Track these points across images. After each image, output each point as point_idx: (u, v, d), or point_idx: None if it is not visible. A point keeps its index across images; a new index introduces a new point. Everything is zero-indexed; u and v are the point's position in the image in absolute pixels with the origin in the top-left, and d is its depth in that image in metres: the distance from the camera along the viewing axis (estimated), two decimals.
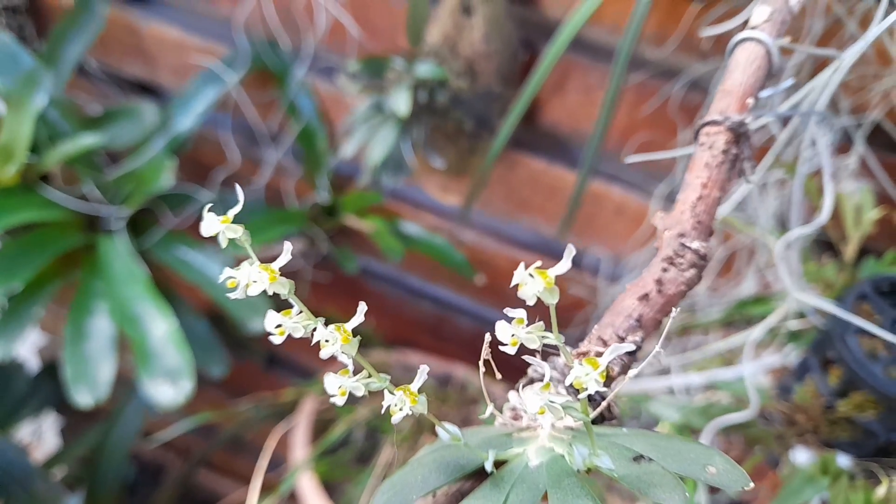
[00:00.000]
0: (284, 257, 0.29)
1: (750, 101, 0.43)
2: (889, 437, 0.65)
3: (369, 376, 0.31)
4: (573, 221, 0.93)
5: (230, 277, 0.29)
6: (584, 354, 0.36)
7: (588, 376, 0.27)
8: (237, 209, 0.30)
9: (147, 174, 1.00)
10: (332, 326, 0.29)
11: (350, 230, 1.15)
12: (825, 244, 0.83)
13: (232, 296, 0.30)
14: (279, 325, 0.30)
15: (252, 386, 1.47)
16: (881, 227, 0.76)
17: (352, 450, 1.13)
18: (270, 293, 0.29)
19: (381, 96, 0.94)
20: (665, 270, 0.38)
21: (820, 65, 0.56)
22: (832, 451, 0.68)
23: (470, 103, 0.94)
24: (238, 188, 0.31)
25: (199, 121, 1.06)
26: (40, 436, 1.52)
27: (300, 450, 1.09)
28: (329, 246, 1.16)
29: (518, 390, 0.36)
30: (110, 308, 0.93)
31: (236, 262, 0.30)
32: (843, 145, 0.81)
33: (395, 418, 0.30)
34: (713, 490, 0.81)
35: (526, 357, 0.29)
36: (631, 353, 0.36)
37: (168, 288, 1.03)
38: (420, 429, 1.05)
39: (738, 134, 0.41)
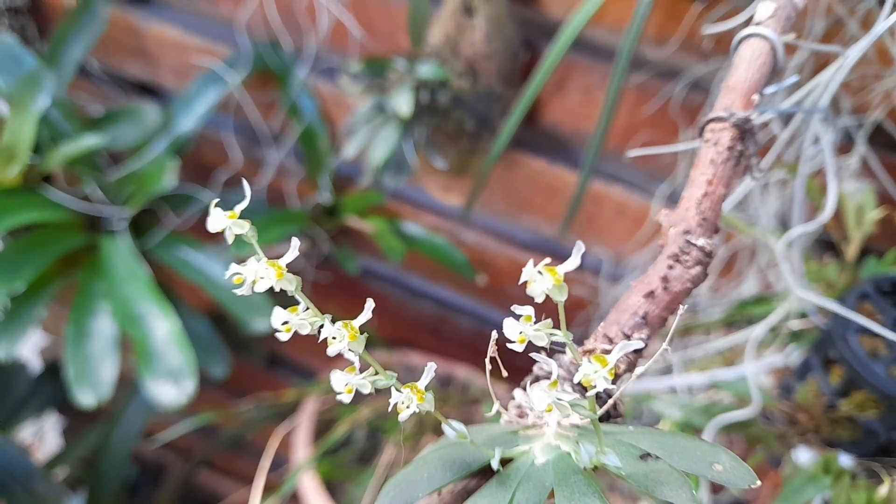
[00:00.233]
0: (292, 254, 0.29)
1: (755, 97, 0.43)
2: (891, 437, 0.66)
3: (376, 374, 0.31)
4: (574, 222, 0.93)
5: (237, 273, 0.29)
6: (591, 352, 0.36)
7: (597, 374, 0.27)
8: (244, 204, 0.30)
9: (149, 175, 1.00)
10: (339, 323, 0.29)
11: (351, 230, 1.15)
12: (827, 244, 0.83)
13: (238, 292, 0.29)
14: (286, 322, 0.30)
15: (253, 386, 1.47)
16: (883, 227, 0.76)
17: (353, 450, 1.13)
18: (277, 289, 0.29)
19: (382, 97, 0.94)
20: (670, 268, 0.38)
21: (821, 64, 0.56)
22: (834, 451, 0.68)
23: (471, 103, 0.94)
24: (245, 184, 0.31)
25: (200, 121, 1.06)
26: (42, 436, 1.52)
27: (302, 450, 1.09)
28: (330, 246, 1.16)
29: (525, 388, 0.37)
30: (112, 308, 0.93)
31: (238, 263, 0.30)
32: (844, 145, 0.81)
33: (403, 416, 0.30)
34: (716, 490, 0.81)
35: (533, 354, 0.29)
36: (637, 351, 0.36)
37: (170, 288, 1.03)
38: (422, 429, 1.05)
39: (744, 130, 0.41)
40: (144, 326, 0.92)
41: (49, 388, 1.15)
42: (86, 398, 0.89)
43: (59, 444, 1.55)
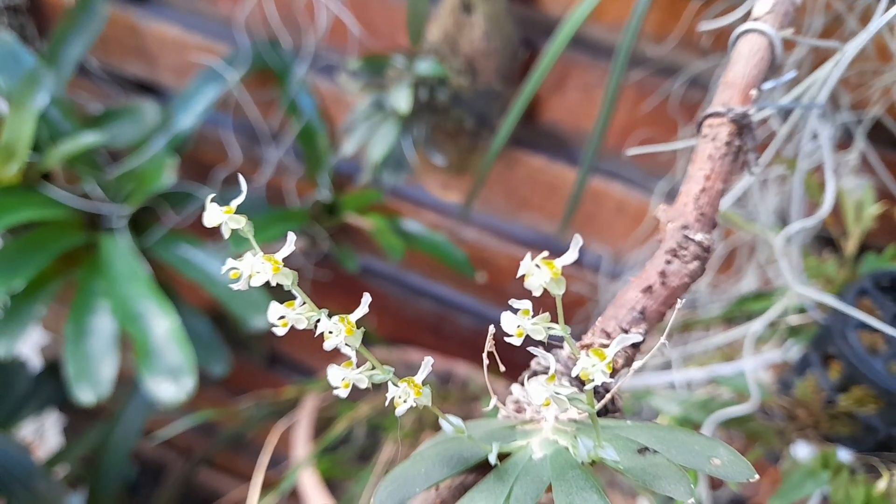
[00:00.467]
0: (288, 248, 0.29)
1: (753, 92, 0.43)
2: (889, 432, 0.66)
3: (373, 368, 0.31)
4: (574, 219, 0.93)
5: (233, 268, 0.29)
6: (588, 347, 0.36)
7: (595, 367, 0.27)
8: (240, 199, 0.30)
9: (148, 173, 1.00)
10: (335, 318, 0.29)
11: (351, 228, 1.15)
12: (826, 240, 0.83)
13: (235, 287, 0.30)
14: (282, 317, 0.30)
15: (253, 384, 1.47)
16: (882, 222, 0.76)
17: (353, 447, 1.13)
18: (274, 284, 0.29)
19: (381, 94, 0.94)
20: (668, 262, 0.38)
21: (820, 61, 0.56)
22: (833, 446, 0.68)
23: (470, 101, 0.94)
24: (241, 179, 0.31)
25: (199, 119, 1.07)
26: (42, 434, 1.52)
27: (301, 447, 1.09)
28: (330, 244, 1.16)
29: (523, 383, 0.37)
30: (112, 306, 0.93)
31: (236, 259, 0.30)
32: (843, 141, 0.81)
33: (399, 410, 0.30)
34: (715, 486, 0.81)
35: (531, 348, 0.29)
36: (635, 346, 0.36)
37: (169, 286, 1.03)
38: (421, 426, 1.05)
39: (741, 125, 0.41)
40: (144, 324, 0.92)
41: (49, 386, 1.15)
42: (85, 396, 0.89)
43: (60, 442, 1.55)
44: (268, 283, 0.29)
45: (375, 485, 1.03)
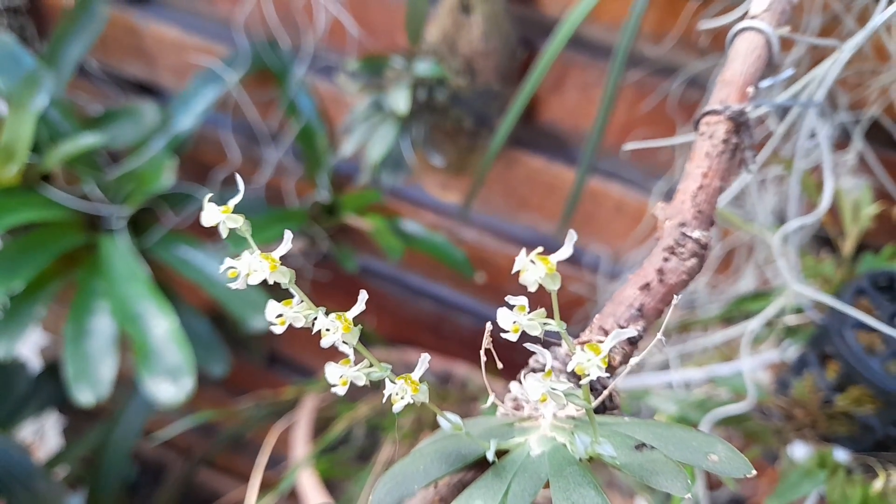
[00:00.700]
0: (285, 246, 0.30)
1: (750, 90, 0.43)
2: (887, 432, 0.66)
3: (370, 366, 0.31)
4: (572, 219, 0.93)
5: (231, 267, 0.30)
6: (585, 343, 0.36)
7: (590, 362, 0.27)
8: (237, 199, 0.30)
9: (148, 174, 1.00)
10: (332, 315, 0.30)
11: (350, 229, 1.15)
12: (823, 240, 0.83)
13: (233, 286, 0.30)
14: (280, 315, 0.30)
15: (253, 385, 1.47)
16: (879, 222, 0.76)
17: (352, 448, 1.13)
18: (271, 282, 0.29)
19: (380, 95, 0.94)
20: (666, 260, 0.38)
21: (818, 60, 0.56)
22: (830, 446, 0.68)
23: (469, 101, 0.94)
24: (238, 178, 0.32)
25: (199, 120, 1.07)
26: (42, 435, 1.52)
27: (301, 447, 1.09)
28: (329, 245, 1.17)
29: (520, 380, 0.37)
30: (111, 307, 0.93)
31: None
32: (841, 142, 0.81)
33: (397, 406, 0.30)
34: (713, 487, 0.81)
35: (527, 344, 0.29)
36: (632, 343, 0.36)
37: (169, 287, 1.03)
38: (420, 426, 1.05)
39: (739, 123, 0.41)
40: (143, 325, 0.92)
41: (49, 387, 1.15)
42: (85, 397, 0.89)
43: (60, 443, 1.55)
44: (267, 284, 0.29)
45: (374, 485, 1.03)
